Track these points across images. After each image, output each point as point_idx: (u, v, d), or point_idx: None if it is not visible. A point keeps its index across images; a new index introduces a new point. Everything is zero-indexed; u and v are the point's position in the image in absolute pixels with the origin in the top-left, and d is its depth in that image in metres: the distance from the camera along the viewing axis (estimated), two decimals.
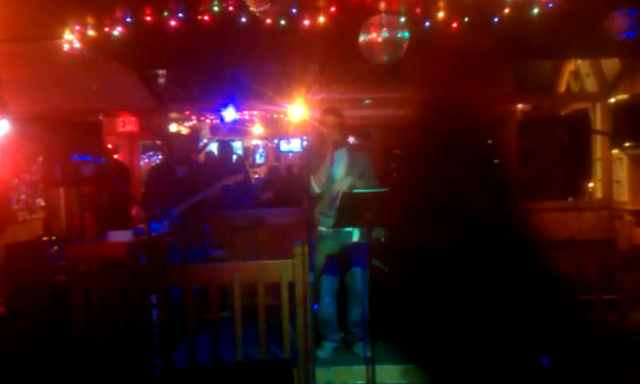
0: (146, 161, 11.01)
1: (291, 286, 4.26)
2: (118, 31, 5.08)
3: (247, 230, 6.84)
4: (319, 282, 4.99)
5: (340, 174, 5.03)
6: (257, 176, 12.65)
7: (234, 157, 10.23)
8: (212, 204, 5.65)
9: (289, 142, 13.06)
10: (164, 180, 5.56)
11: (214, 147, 11.13)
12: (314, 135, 6.46)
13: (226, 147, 9.77)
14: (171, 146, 5.81)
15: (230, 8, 4.87)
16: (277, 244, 6.65)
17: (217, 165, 9.13)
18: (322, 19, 4.94)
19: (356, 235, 5.00)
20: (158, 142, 9.80)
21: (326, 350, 5.00)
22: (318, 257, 5.01)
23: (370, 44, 4.77)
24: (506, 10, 4.81)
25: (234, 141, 12.13)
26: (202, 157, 9.78)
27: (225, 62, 6.58)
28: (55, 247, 6.24)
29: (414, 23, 4.85)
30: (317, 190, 5.00)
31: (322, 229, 5.04)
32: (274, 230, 6.77)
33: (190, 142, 6.24)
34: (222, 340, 4.27)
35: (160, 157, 10.15)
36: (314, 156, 5.20)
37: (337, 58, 6.16)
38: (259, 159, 14.02)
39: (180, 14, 4.95)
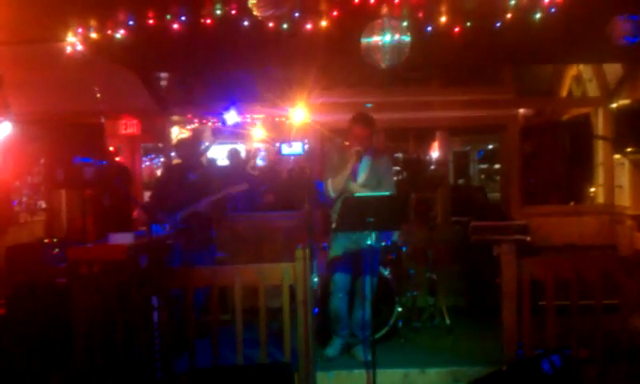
0: (147, 164, 11.01)
1: (292, 289, 4.26)
2: (120, 34, 5.09)
3: (250, 233, 6.84)
4: (332, 279, 4.97)
5: (360, 180, 4.92)
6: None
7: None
8: (218, 209, 5.65)
9: (290, 145, 13.05)
10: (175, 182, 5.58)
11: (216, 152, 11.10)
12: (332, 142, 6.35)
13: (235, 153, 9.75)
14: (181, 154, 5.84)
15: (233, 12, 4.87)
16: (279, 247, 6.65)
17: (224, 171, 9.11)
18: (324, 23, 4.94)
19: (371, 237, 4.76)
20: (160, 145, 9.80)
21: (334, 347, 4.98)
22: (331, 254, 5.00)
23: (372, 48, 4.77)
24: (509, 15, 4.82)
25: (235, 143, 12.12)
26: (204, 160, 9.77)
27: (227, 66, 6.58)
28: (56, 249, 6.23)
29: (416, 27, 4.86)
30: (332, 194, 4.87)
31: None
32: (276, 233, 6.76)
33: (197, 147, 6.23)
34: (224, 343, 4.26)
35: (162, 159, 10.13)
36: (331, 158, 5.07)
37: (339, 62, 6.16)
38: (260, 162, 14.01)
39: (182, 18, 4.96)
